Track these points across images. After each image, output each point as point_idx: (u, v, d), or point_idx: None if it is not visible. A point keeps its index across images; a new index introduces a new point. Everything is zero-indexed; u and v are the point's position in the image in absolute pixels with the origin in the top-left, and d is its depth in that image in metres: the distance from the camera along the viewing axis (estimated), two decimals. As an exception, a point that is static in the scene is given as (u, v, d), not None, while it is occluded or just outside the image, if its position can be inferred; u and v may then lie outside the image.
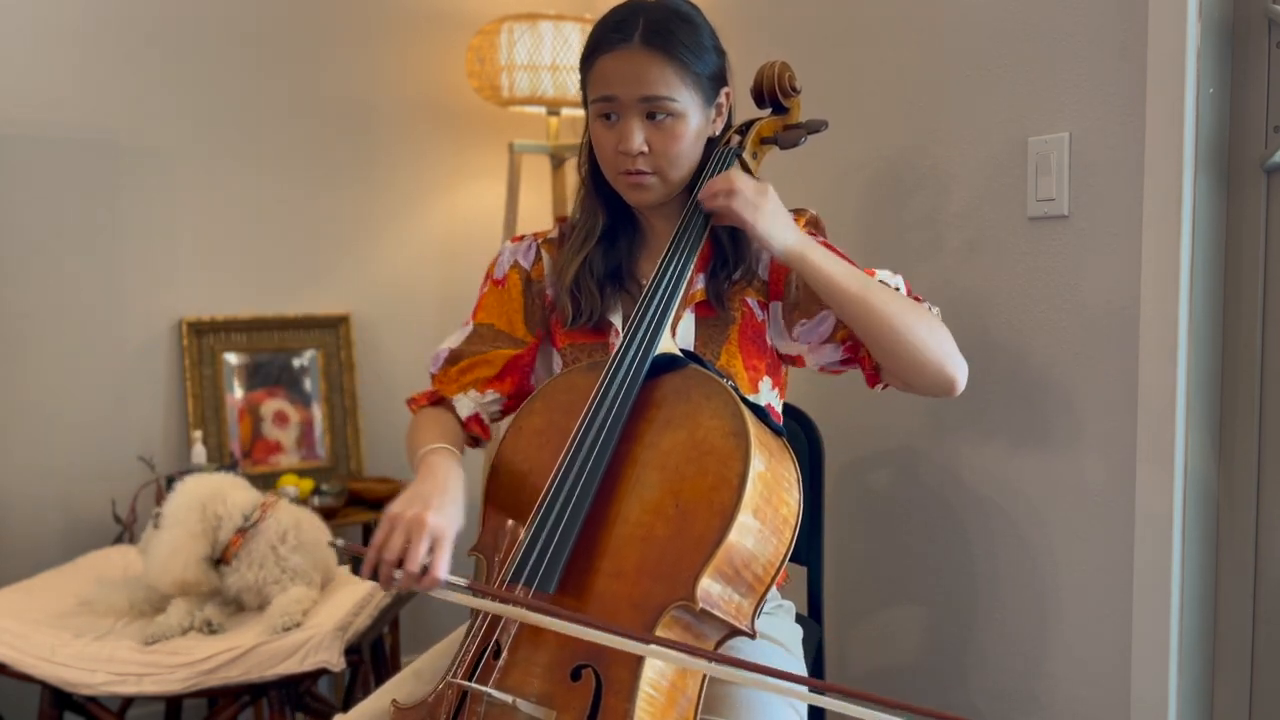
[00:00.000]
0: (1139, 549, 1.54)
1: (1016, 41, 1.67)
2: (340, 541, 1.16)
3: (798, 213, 1.39)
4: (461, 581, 1.09)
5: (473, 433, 1.42)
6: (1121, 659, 1.58)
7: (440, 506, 1.14)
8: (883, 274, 1.34)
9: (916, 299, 1.32)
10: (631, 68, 1.26)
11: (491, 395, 1.42)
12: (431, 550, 1.10)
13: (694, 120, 1.30)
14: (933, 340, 1.25)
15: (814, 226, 1.40)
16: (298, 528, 1.92)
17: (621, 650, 1.03)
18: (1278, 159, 1.42)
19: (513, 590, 1.11)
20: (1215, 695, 1.54)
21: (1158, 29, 1.46)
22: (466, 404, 1.41)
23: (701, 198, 1.27)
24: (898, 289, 1.32)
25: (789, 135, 1.40)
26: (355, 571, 1.14)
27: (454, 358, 1.43)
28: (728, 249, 1.35)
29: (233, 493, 1.89)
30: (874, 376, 1.33)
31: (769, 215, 1.24)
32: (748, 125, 1.39)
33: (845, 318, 1.27)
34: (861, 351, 1.32)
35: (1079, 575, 1.64)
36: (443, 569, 1.10)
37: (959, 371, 1.27)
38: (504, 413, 1.44)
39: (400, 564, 1.10)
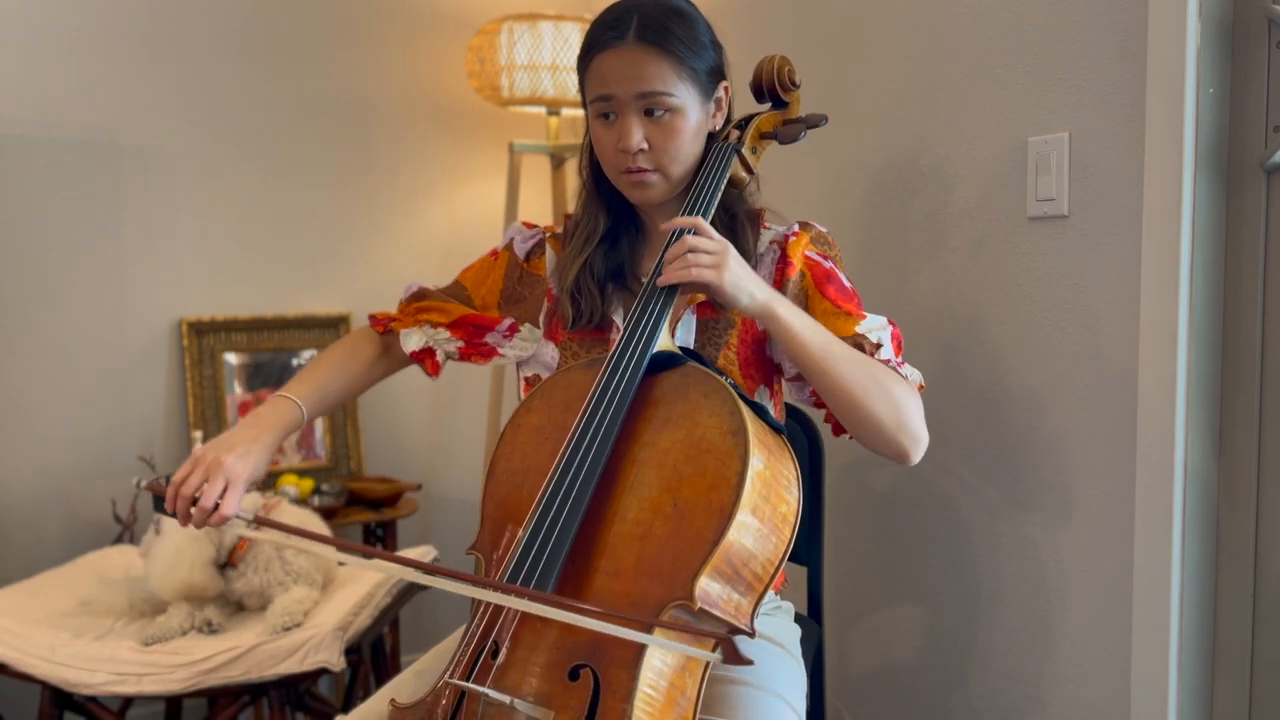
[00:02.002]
0: (1139, 549, 1.53)
1: (1017, 41, 1.67)
2: (143, 481, 1.26)
3: (803, 226, 1.38)
4: (249, 516, 1.23)
5: (423, 365, 1.48)
6: (1121, 659, 1.58)
7: (244, 453, 1.25)
8: (872, 321, 1.32)
9: (894, 364, 1.29)
10: (627, 65, 1.26)
11: (445, 334, 1.46)
12: (225, 491, 1.22)
13: (693, 115, 1.29)
14: (889, 414, 1.23)
15: (823, 244, 1.38)
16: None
17: (620, 650, 1.04)
18: (1278, 159, 1.41)
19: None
20: (1215, 696, 1.54)
21: (1158, 29, 1.46)
22: (418, 337, 1.46)
23: (660, 283, 1.21)
24: (879, 344, 1.29)
25: (788, 130, 1.40)
26: (156, 509, 1.26)
27: (420, 295, 1.50)
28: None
29: None
30: (838, 427, 1.33)
31: (731, 273, 1.17)
32: (747, 120, 1.39)
33: (806, 378, 1.26)
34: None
35: (1079, 575, 1.64)
36: (231, 507, 1.22)
37: (913, 445, 1.26)
38: (461, 357, 1.49)
39: (195, 502, 1.21)
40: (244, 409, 2.49)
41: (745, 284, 1.19)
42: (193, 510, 1.21)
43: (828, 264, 1.35)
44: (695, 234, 1.21)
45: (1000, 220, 1.72)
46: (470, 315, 1.46)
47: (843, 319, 1.31)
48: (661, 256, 1.23)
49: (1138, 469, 1.53)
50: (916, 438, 1.26)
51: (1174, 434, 1.48)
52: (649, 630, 1.03)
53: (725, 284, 1.17)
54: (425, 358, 1.47)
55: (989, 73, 1.72)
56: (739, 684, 1.24)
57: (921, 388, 1.32)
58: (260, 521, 1.22)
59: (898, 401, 1.24)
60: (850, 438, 1.32)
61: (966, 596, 1.82)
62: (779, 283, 1.34)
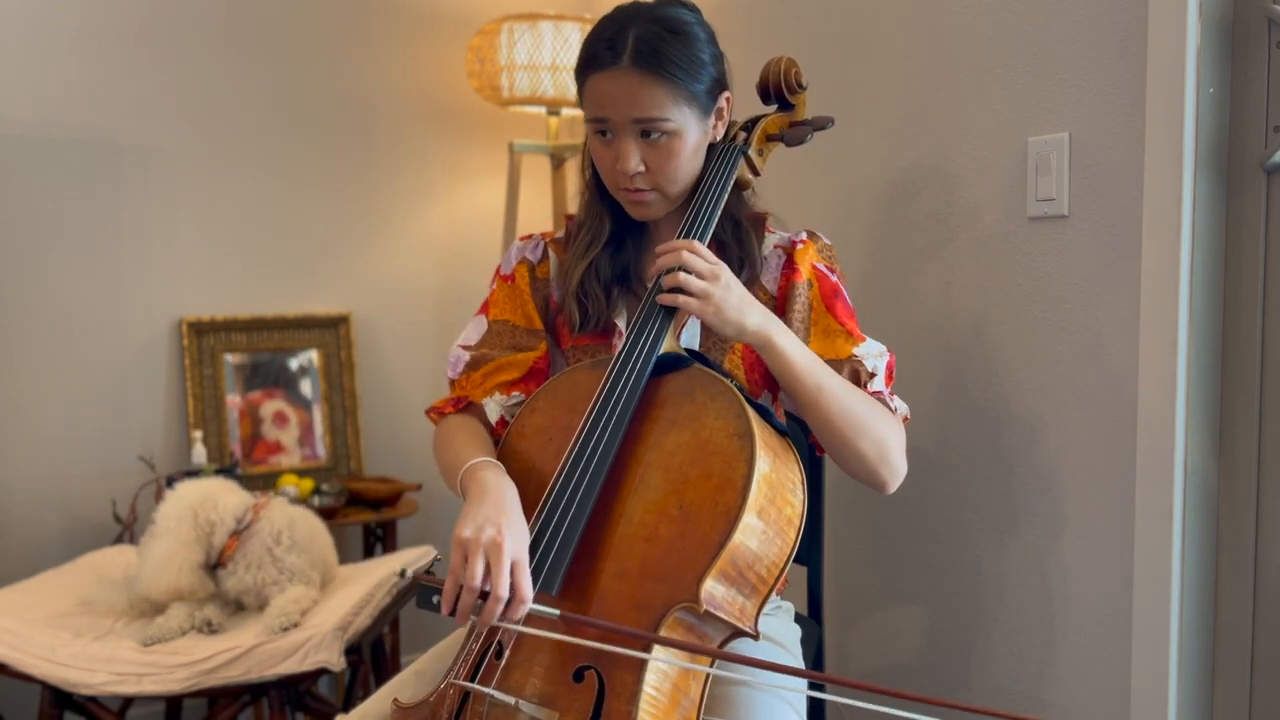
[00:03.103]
0: (1139, 548, 1.54)
1: (1017, 41, 1.67)
2: (409, 571, 1.09)
3: (810, 236, 1.38)
4: (554, 614, 1.04)
5: (499, 436, 1.37)
6: (1121, 659, 1.58)
7: (510, 525, 1.08)
8: (871, 346, 1.32)
9: (884, 396, 1.29)
10: (622, 90, 1.23)
11: (517, 396, 1.37)
12: (513, 573, 1.05)
13: (691, 136, 1.27)
14: (872, 449, 1.24)
15: (829, 256, 1.37)
16: (291, 527, 1.92)
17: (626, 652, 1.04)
18: (1278, 159, 1.42)
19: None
20: (1215, 695, 1.54)
21: (1158, 29, 1.47)
22: (494, 408, 1.36)
23: (659, 301, 1.20)
24: (874, 373, 1.29)
25: (795, 132, 1.40)
26: (423, 606, 1.05)
27: (475, 362, 1.39)
28: (734, 250, 1.34)
29: (223, 497, 1.89)
30: (820, 448, 1.32)
31: (716, 305, 1.17)
32: (753, 122, 1.38)
33: (796, 404, 1.26)
34: None
35: (1079, 575, 1.64)
36: (529, 593, 1.05)
37: (891, 478, 1.27)
38: None
39: (483, 594, 1.04)
40: (243, 411, 2.48)
41: (733, 315, 1.18)
42: (477, 602, 1.04)
43: (834, 278, 1.35)
44: (689, 259, 1.18)
45: (1000, 220, 1.72)
46: (539, 360, 1.39)
47: (843, 339, 1.31)
48: (659, 278, 1.22)
49: (1138, 469, 1.54)
50: (896, 471, 1.28)
51: (1174, 434, 1.48)
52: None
53: (710, 316, 1.17)
54: (501, 428, 1.35)
55: (989, 73, 1.72)
56: (740, 684, 1.24)
57: (906, 420, 1.33)
58: (567, 618, 1.04)
59: (882, 436, 1.25)
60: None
61: (967, 596, 1.83)
62: (784, 287, 1.34)
